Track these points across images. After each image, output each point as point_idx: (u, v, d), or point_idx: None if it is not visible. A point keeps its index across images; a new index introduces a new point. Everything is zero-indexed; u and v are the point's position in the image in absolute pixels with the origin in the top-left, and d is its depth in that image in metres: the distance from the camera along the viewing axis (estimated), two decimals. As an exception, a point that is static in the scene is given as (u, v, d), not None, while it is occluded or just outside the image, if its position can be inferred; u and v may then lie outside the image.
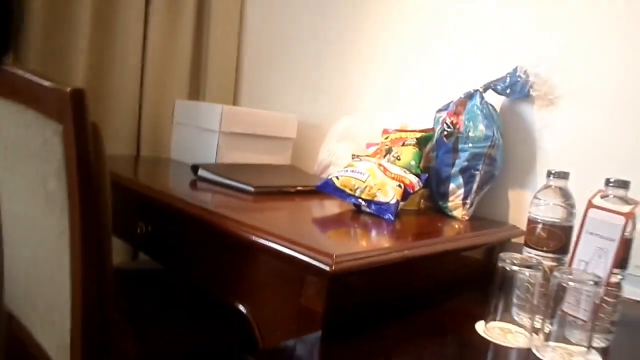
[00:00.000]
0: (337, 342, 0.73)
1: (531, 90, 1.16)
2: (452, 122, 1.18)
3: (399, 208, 1.03)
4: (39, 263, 0.98)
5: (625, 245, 0.75)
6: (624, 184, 0.77)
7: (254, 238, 0.81)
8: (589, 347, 0.73)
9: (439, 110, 1.23)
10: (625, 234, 0.74)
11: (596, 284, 0.70)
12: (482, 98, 1.17)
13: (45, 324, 1.01)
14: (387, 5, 1.47)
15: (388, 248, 0.81)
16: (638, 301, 1.00)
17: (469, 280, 1.06)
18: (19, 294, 1.10)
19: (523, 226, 1.10)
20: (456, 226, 1.11)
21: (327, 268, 0.69)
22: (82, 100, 0.82)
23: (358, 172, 1.08)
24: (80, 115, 0.82)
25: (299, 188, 1.22)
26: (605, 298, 0.76)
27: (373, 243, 0.87)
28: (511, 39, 1.22)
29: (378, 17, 1.50)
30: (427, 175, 1.15)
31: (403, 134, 1.23)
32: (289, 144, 1.60)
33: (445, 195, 1.19)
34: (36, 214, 0.94)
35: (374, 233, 0.93)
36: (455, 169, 1.17)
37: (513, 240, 1.13)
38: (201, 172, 1.25)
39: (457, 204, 1.17)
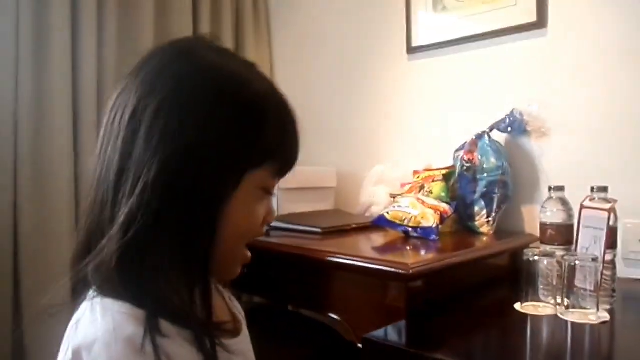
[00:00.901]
0: (416, 326, 1.01)
1: (527, 126, 1.48)
2: (469, 159, 1.49)
3: (439, 230, 1.33)
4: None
5: (612, 231, 1.05)
6: (604, 189, 1.07)
7: (341, 260, 1.11)
8: (598, 309, 1.01)
9: (457, 150, 1.55)
10: (610, 223, 1.04)
11: (595, 260, 1.00)
12: (489, 137, 1.49)
13: None
14: (407, 71, 1.82)
15: (442, 256, 1.11)
16: (633, 279, 1.29)
17: (501, 281, 1.34)
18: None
19: (536, 233, 1.40)
20: (484, 239, 1.41)
21: (406, 272, 0.99)
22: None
23: (403, 207, 1.39)
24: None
25: (354, 225, 1.52)
26: (604, 272, 1.05)
27: (429, 255, 1.17)
28: (507, 87, 1.55)
29: (402, 82, 1.85)
30: (455, 203, 1.46)
31: (431, 173, 1.54)
32: (331, 192, 1.91)
33: (472, 217, 1.49)
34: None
35: (426, 249, 1.23)
36: (477, 195, 1.47)
37: (531, 246, 1.43)
38: (274, 223, 1.56)
39: (482, 222, 1.47)
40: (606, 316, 1.00)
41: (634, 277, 1.30)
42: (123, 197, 0.56)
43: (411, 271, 0.99)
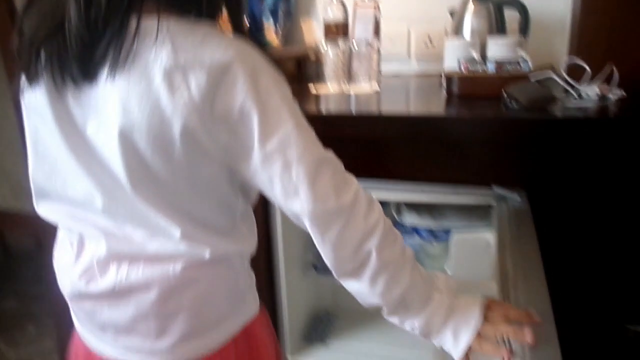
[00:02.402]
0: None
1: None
2: (255, -22, 1.65)
3: (239, 41, 1.51)
4: None
5: (377, 24, 1.36)
6: (371, -10, 1.36)
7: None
8: (371, 84, 1.34)
9: (243, -29, 1.68)
10: (376, 18, 1.35)
11: (368, 44, 1.31)
12: (271, -43, 1.66)
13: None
14: None
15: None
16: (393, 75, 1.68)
17: (293, 80, 1.60)
18: None
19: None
20: (275, 47, 1.64)
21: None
22: None
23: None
24: None
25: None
26: (373, 55, 1.37)
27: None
28: None
29: None
30: (247, 19, 1.63)
31: (222, -7, 1.66)
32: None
33: (262, 31, 1.68)
34: None
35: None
36: (265, 12, 1.66)
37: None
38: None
39: (272, 36, 1.68)
40: (377, 87, 1.35)
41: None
42: None
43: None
